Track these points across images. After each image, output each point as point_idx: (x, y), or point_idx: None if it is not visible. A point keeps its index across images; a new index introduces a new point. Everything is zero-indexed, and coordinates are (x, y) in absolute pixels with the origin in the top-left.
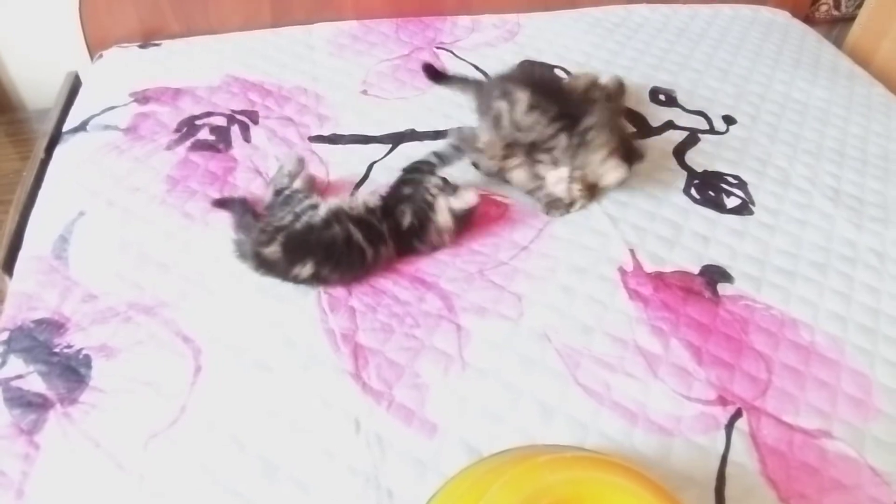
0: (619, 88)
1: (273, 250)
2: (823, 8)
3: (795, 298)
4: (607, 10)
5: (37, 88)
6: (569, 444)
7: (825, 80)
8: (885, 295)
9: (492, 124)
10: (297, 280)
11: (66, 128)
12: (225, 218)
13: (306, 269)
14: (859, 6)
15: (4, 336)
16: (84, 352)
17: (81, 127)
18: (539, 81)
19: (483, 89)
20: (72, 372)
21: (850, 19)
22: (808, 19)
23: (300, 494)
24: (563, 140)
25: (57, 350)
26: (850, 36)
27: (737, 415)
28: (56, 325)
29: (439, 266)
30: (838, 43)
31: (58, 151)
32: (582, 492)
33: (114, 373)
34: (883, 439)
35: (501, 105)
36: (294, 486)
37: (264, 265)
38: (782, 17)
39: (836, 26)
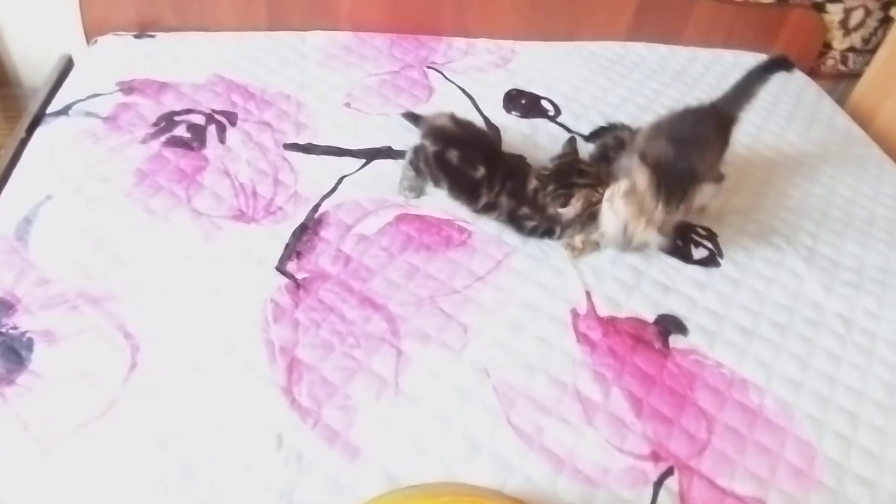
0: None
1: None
2: (830, 62)
3: (750, 358)
4: (604, 45)
5: (35, 66)
6: (490, 483)
7: (819, 135)
8: (844, 363)
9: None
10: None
11: (49, 110)
12: (186, 216)
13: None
14: (867, 63)
15: None
16: (28, 335)
17: (64, 111)
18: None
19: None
20: (13, 353)
21: (856, 76)
22: (814, 72)
23: (214, 499)
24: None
25: (3, 330)
26: (855, 93)
27: (668, 472)
28: (6, 306)
29: (391, 287)
30: (843, 100)
31: (38, 133)
32: None
33: (53, 359)
34: None
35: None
36: (209, 491)
37: None
38: None
39: (842, 81)
